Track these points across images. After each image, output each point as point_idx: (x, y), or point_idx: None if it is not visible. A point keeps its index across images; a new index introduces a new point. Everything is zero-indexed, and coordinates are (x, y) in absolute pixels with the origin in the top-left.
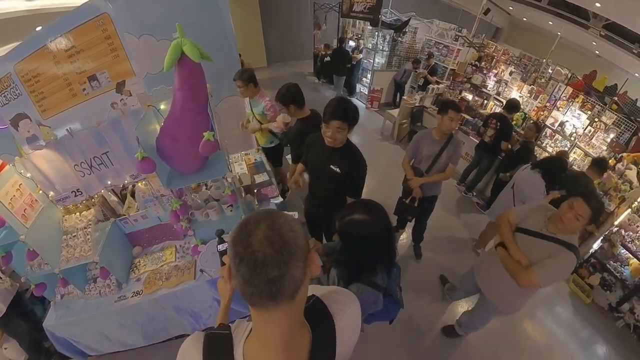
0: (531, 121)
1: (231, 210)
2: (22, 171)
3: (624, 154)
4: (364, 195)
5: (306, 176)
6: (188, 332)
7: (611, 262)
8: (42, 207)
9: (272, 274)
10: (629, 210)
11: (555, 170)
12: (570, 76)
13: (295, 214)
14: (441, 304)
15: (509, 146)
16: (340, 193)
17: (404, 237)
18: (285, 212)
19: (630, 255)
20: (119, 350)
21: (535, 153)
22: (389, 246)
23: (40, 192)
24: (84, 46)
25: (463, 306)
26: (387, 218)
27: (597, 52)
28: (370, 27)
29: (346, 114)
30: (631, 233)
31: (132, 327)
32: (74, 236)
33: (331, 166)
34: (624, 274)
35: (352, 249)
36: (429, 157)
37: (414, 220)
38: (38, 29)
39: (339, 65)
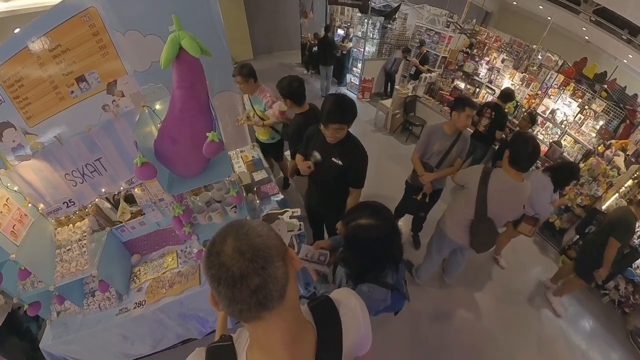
0: (525, 111)
1: (235, 212)
2: (8, 185)
3: (613, 141)
4: None
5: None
6: (194, 336)
7: None
8: (32, 221)
9: (253, 283)
10: (617, 195)
11: (565, 175)
12: (562, 64)
13: (298, 211)
14: (439, 290)
15: (503, 135)
16: (342, 185)
17: (401, 226)
18: (287, 208)
19: None
20: None
21: None
22: (396, 246)
23: (30, 205)
24: (70, 44)
25: (459, 290)
26: (393, 219)
27: (586, 37)
28: (360, 14)
29: (343, 115)
30: None
31: (136, 338)
32: (68, 250)
33: (333, 159)
34: None
35: (359, 252)
36: (439, 153)
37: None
38: (16, 30)
39: (326, 55)
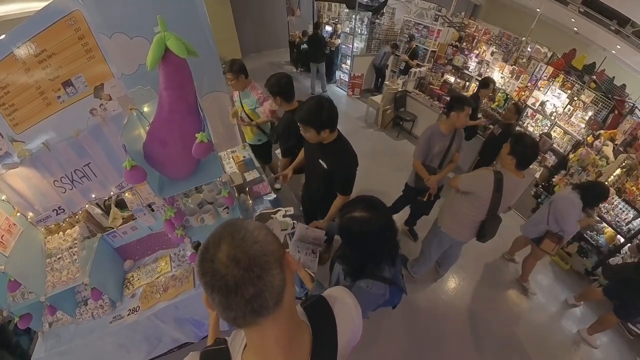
0: (511, 103)
1: (227, 213)
2: None
3: (602, 131)
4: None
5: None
6: (191, 340)
7: (588, 232)
8: (21, 230)
9: (248, 293)
10: (605, 184)
11: (596, 194)
12: (551, 55)
13: (291, 210)
14: (434, 282)
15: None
16: (330, 188)
17: (397, 220)
18: (280, 207)
19: (606, 225)
20: None
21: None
22: (391, 241)
23: (18, 214)
24: (56, 49)
25: (454, 281)
26: (389, 214)
27: (575, 29)
28: (347, 10)
29: (302, 117)
30: (607, 205)
31: (131, 345)
32: (59, 258)
33: (320, 160)
34: (600, 241)
35: (354, 246)
36: (440, 153)
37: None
38: (2, 37)
39: (316, 52)
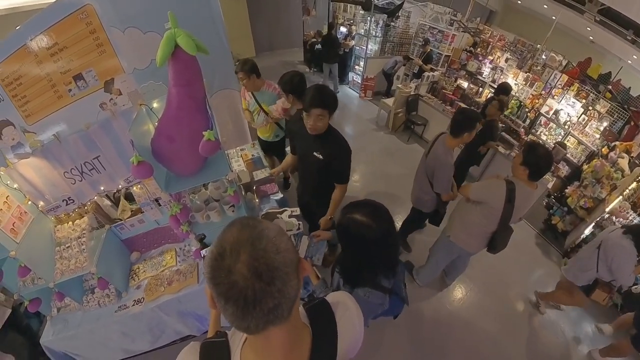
0: (496, 99)
1: (233, 211)
2: (8, 182)
3: (617, 143)
4: (359, 186)
5: None
6: (193, 333)
7: None
8: (32, 218)
9: (267, 306)
10: (620, 197)
11: None
12: (566, 64)
13: (297, 210)
14: (440, 291)
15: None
16: (326, 179)
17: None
18: (286, 207)
19: None
20: (122, 358)
21: (499, 130)
22: (388, 252)
23: (29, 203)
24: (67, 42)
25: (461, 291)
26: (391, 224)
27: (591, 37)
28: (362, 12)
29: (325, 100)
30: (621, 219)
31: (135, 335)
32: (68, 247)
33: (314, 153)
34: None
35: (349, 248)
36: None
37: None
38: (18, 27)
39: (330, 53)
